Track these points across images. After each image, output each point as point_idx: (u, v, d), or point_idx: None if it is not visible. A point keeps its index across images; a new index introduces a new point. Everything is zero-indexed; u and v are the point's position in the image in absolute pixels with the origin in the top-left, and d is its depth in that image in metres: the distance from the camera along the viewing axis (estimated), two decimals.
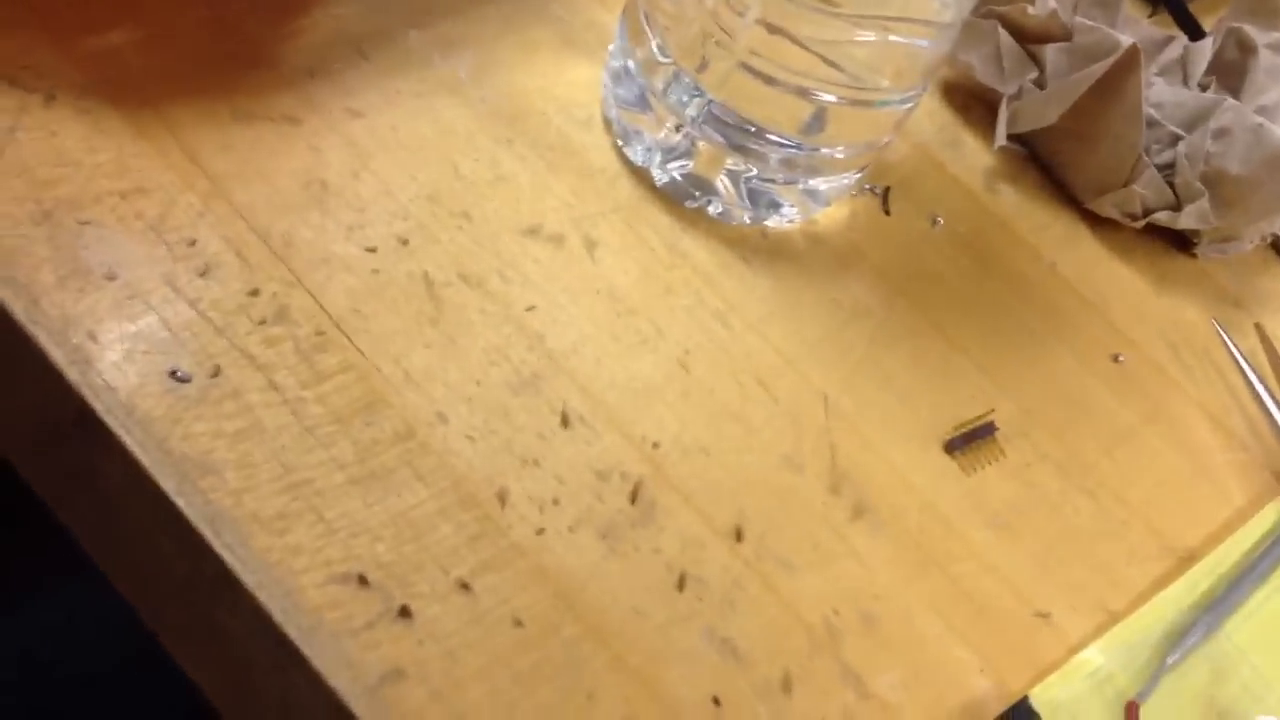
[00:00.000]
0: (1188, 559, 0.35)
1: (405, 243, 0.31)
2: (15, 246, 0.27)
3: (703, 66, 0.33)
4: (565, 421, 0.30)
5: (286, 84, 0.33)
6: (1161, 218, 0.41)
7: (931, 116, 0.43)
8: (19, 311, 0.26)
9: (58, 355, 0.26)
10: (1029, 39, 0.41)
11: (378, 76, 0.34)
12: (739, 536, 0.30)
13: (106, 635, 0.54)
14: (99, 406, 0.26)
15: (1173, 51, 0.43)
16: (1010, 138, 0.41)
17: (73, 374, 0.26)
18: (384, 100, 0.34)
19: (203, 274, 0.29)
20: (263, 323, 0.28)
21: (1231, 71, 0.42)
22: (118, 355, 0.26)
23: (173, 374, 0.27)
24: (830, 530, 0.31)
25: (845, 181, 0.37)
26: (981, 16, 0.42)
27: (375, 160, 0.33)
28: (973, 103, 0.43)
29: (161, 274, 0.28)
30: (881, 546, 0.32)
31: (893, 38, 0.32)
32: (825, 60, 0.33)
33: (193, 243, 0.29)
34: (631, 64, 0.35)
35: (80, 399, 0.26)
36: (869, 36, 0.32)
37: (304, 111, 0.33)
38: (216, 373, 0.27)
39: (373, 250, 0.31)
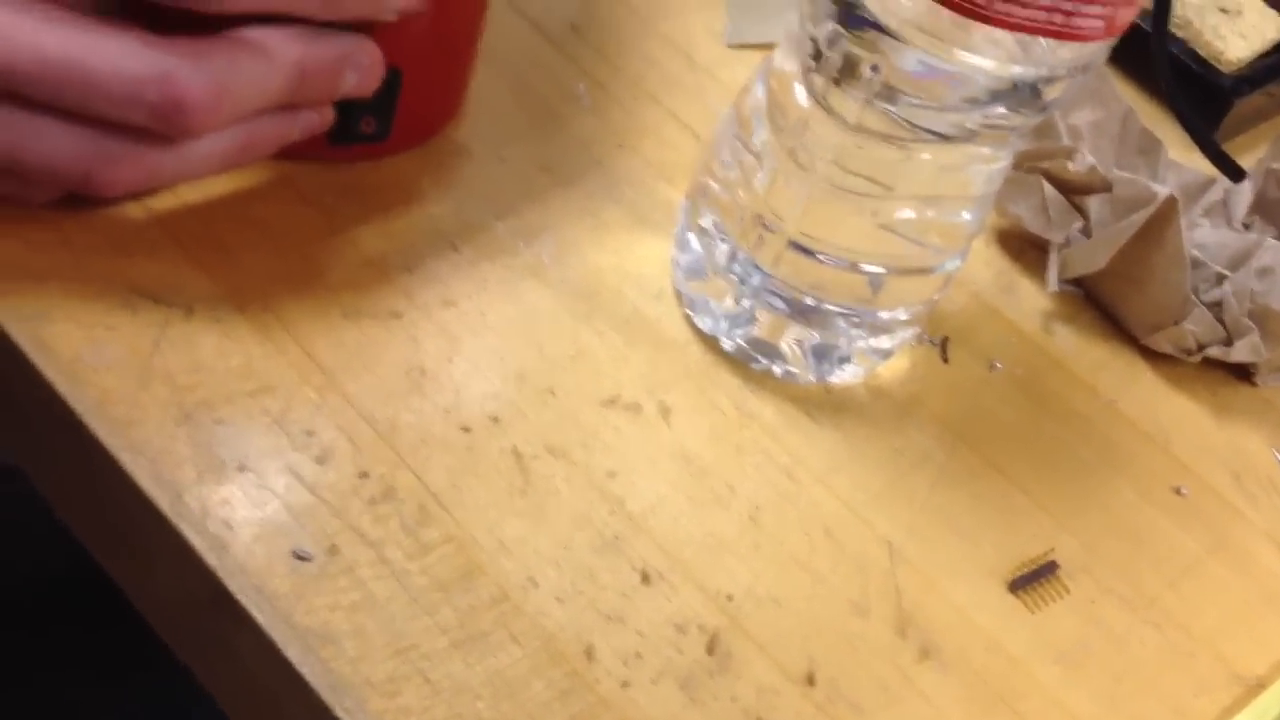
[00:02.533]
0: (1256, 687, 0.36)
1: (496, 420, 0.35)
2: (162, 448, 0.31)
3: (757, 245, 0.37)
4: (645, 579, 0.33)
5: (388, 281, 0.37)
6: (1214, 352, 0.42)
7: (987, 265, 0.45)
8: (165, 506, 0.30)
9: (198, 543, 0.30)
10: (1072, 191, 0.43)
11: (468, 267, 0.38)
12: (811, 681, 0.32)
13: None
14: (233, 587, 0.29)
15: (1215, 193, 0.45)
16: (1064, 281, 0.44)
17: (211, 559, 0.30)
18: (474, 288, 0.38)
19: (320, 461, 0.32)
20: (372, 502, 0.32)
21: (1274, 210, 0.44)
22: (249, 540, 0.30)
23: (296, 554, 0.30)
24: (898, 672, 0.33)
25: (905, 335, 0.40)
26: (1026, 171, 0.44)
27: (467, 345, 0.36)
28: (1026, 248, 0.46)
29: (285, 463, 0.32)
30: (949, 687, 0.33)
31: (930, 213, 0.35)
32: (871, 237, 0.36)
33: (311, 433, 0.33)
34: (694, 240, 0.39)
35: (217, 581, 0.29)
36: (909, 214, 0.35)
37: (403, 305, 0.37)
38: (334, 551, 0.31)
39: (467, 430, 0.34)
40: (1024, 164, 0.44)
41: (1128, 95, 0.51)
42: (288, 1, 0.33)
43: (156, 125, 0.31)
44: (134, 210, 0.36)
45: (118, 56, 0.30)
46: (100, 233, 0.35)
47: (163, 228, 0.36)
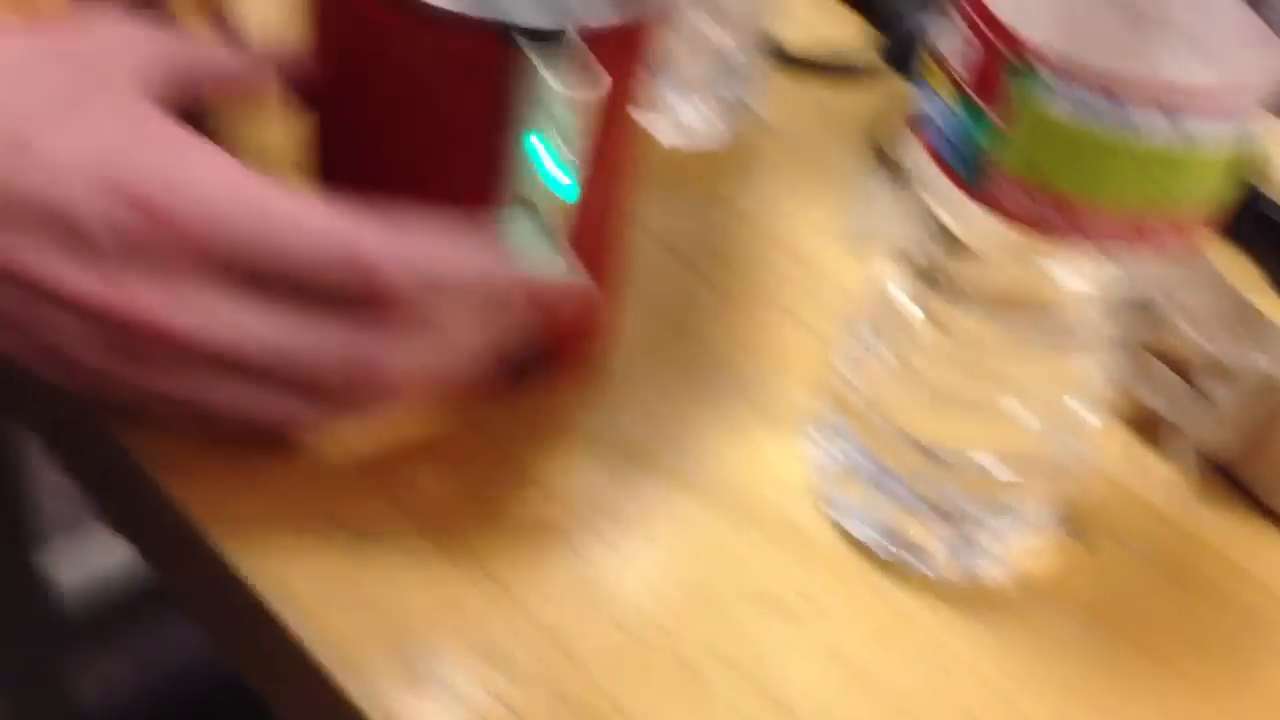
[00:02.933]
0: None
1: (660, 626, 0.38)
2: (374, 674, 0.35)
3: (881, 444, 0.39)
4: None
5: (551, 497, 0.41)
6: None
7: (1121, 447, 0.47)
8: None
9: None
10: (1183, 368, 0.45)
11: (621, 479, 0.42)
12: None
13: None
14: None
15: None
16: (1197, 458, 0.45)
17: None
18: (630, 501, 0.41)
19: (510, 678, 0.36)
20: (559, 716, 0.35)
21: None
22: None
23: None
24: None
25: (1041, 523, 0.41)
26: (1140, 351, 0.46)
27: (629, 556, 0.40)
28: (1156, 429, 0.47)
29: (479, 679, 0.35)
30: None
31: (1043, 405, 0.38)
32: (988, 433, 0.38)
33: (497, 647, 0.36)
34: (825, 439, 0.42)
35: None
36: (1021, 409, 0.38)
37: (567, 520, 0.40)
38: None
39: (637, 637, 0.37)
40: (1135, 344, 0.46)
41: (1227, 257, 0.53)
42: (474, 283, 0.36)
43: None
44: (332, 448, 0.40)
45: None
46: (302, 470, 0.39)
47: (354, 460, 0.40)
